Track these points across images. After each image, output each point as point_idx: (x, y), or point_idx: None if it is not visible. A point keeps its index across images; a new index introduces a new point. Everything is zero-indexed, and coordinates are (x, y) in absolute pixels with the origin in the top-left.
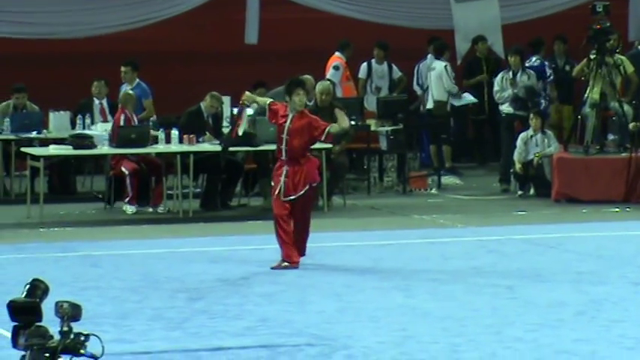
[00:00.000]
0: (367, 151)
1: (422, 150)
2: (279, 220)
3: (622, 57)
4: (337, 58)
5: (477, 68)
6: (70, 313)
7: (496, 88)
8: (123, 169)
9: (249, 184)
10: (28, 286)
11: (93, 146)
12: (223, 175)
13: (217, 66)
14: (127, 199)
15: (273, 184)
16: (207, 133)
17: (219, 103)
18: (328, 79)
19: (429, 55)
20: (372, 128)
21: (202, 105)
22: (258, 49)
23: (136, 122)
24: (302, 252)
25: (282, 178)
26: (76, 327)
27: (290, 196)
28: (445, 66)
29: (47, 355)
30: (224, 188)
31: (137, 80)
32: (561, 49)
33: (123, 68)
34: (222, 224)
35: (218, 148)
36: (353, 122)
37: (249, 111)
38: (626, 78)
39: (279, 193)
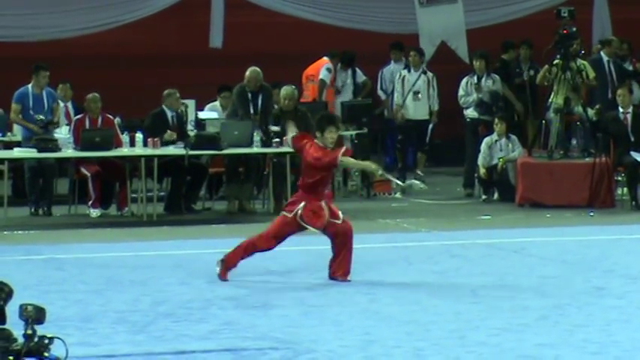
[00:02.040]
0: None
1: (386, 154)
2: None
3: (584, 62)
4: (328, 61)
5: None
6: (34, 315)
7: (461, 92)
8: (84, 171)
9: (214, 187)
10: None
11: (57, 149)
12: (188, 178)
13: (182, 69)
14: (90, 203)
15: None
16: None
17: (177, 98)
18: (321, 79)
19: (392, 61)
20: None
21: (164, 106)
22: (223, 52)
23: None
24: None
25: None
26: (40, 330)
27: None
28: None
29: (11, 357)
30: (188, 191)
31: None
32: (527, 55)
33: (46, 73)
34: (186, 228)
35: (182, 151)
36: None
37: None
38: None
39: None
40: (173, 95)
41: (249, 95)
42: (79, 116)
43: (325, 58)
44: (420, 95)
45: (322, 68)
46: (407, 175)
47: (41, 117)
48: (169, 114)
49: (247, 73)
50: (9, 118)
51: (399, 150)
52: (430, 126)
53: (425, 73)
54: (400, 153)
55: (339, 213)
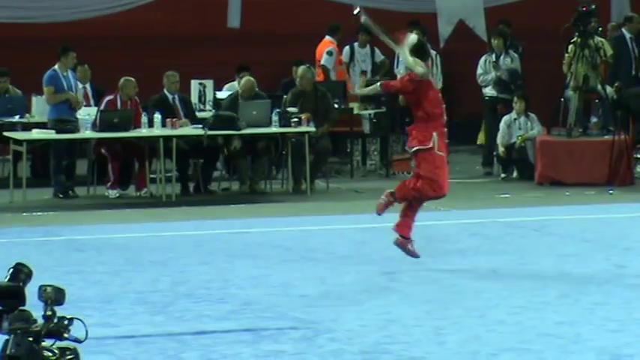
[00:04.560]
0: (350, 134)
1: (404, 133)
2: None
3: (602, 39)
4: (329, 43)
5: None
6: (54, 297)
7: (479, 71)
8: (103, 151)
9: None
10: (11, 270)
11: (76, 130)
12: (201, 160)
13: (199, 50)
14: (109, 184)
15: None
16: (181, 118)
17: (174, 80)
18: (323, 65)
19: None
20: (355, 111)
21: (165, 90)
22: (241, 32)
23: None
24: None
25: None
26: (60, 311)
27: None
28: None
29: (31, 339)
30: (203, 172)
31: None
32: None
33: (74, 54)
34: (205, 208)
35: (200, 131)
36: (336, 105)
37: None
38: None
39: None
40: (170, 78)
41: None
42: (109, 97)
43: (327, 39)
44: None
45: (323, 53)
46: None
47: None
48: (170, 97)
49: (243, 80)
50: (27, 99)
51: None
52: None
53: None
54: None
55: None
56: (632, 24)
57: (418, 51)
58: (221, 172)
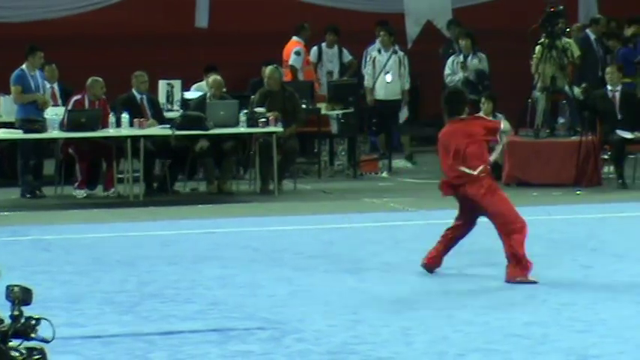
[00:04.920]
0: (318, 134)
1: (372, 134)
2: None
3: (569, 40)
4: (296, 43)
5: None
6: (21, 297)
7: (447, 71)
8: (71, 151)
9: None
10: None
11: (43, 130)
12: (169, 160)
13: (167, 50)
14: (77, 184)
15: None
16: (149, 119)
17: (143, 80)
18: (291, 65)
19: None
20: (323, 112)
21: (133, 89)
22: (209, 32)
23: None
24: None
25: None
26: (27, 311)
27: None
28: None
29: None
30: (171, 173)
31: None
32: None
33: (41, 53)
34: (172, 208)
35: (168, 131)
36: (304, 106)
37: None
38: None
39: None
40: (139, 77)
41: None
42: (77, 97)
43: (294, 39)
44: (389, 76)
45: (291, 53)
46: (393, 155)
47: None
48: (138, 96)
49: (211, 80)
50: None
51: (373, 132)
52: (405, 106)
53: (396, 52)
54: (379, 135)
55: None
56: (597, 26)
57: None
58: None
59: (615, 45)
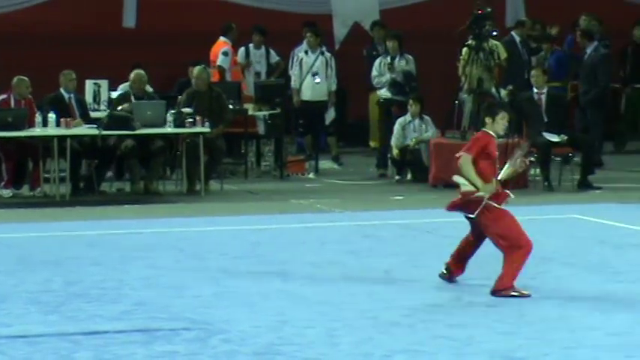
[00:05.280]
0: (245, 135)
1: (299, 135)
2: None
3: (497, 43)
4: (224, 44)
5: None
6: None
7: (374, 73)
8: None
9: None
10: None
11: None
12: (95, 160)
13: (95, 50)
14: (3, 184)
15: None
16: (77, 118)
17: (71, 79)
18: (219, 65)
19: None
20: (250, 112)
21: (62, 88)
22: (136, 32)
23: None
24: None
25: None
26: None
27: None
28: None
29: None
30: (97, 173)
31: None
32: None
33: None
34: (99, 208)
35: (95, 131)
36: (231, 106)
37: None
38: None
39: None
40: (67, 76)
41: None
42: (3, 96)
43: (221, 40)
44: (318, 76)
45: (219, 53)
46: (320, 157)
47: None
48: (66, 96)
49: (132, 74)
50: None
51: (300, 133)
52: (332, 107)
53: (323, 53)
54: (305, 136)
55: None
56: (523, 28)
57: None
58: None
59: (548, 48)
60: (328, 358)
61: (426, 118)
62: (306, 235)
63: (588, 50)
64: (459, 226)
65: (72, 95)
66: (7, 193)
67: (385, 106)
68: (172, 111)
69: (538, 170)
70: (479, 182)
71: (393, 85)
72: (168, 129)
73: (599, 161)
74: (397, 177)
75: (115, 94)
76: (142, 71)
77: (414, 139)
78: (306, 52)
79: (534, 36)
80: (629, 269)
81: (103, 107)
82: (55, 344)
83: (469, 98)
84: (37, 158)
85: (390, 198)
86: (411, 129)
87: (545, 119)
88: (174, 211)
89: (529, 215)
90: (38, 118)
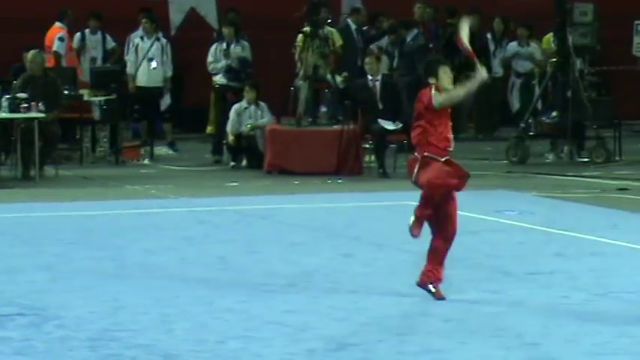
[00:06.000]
0: (80, 121)
1: (135, 120)
2: None
3: (332, 29)
4: (60, 29)
5: None
6: None
7: (210, 59)
8: None
9: None
10: None
11: None
12: None
13: None
14: None
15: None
16: None
17: None
18: (55, 51)
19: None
20: (85, 98)
21: None
22: None
23: None
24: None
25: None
26: None
27: None
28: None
29: None
30: None
31: None
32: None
33: None
34: None
35: None
36: (66, 92)
37: None
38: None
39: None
40: None
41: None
42: None
43: (57, 25)
44: (154, 62)
45: (55, 39)
46: (155, 143)
47: None
48: None
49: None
50: None
51: (135, 119)
52: (167, 93)
53: (158, 39)
54: (141, 122)
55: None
56: (358, 15)
57: None
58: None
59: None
60: (162, 344)
61: (262, 104)
62: (140, 221)
63: (408, 38)
64: (294, 212)
65: None
66: None
67: (220, 93)
68: (7, 96)
69: (373, 157)
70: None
71: (228, 72)
72: (3, 114)
73: None
74: (232, 163)
75: None
76: None
77: (248, 125)
78: (141, 38)
79: (378, 27)
80: (464, 256)
81: None
82: None
83: (305, 85)
84: None
85: (225, 184)
86: (247, 115)
87: (380, 106)
88: (8, 197)
89: (364, 202)
90: None
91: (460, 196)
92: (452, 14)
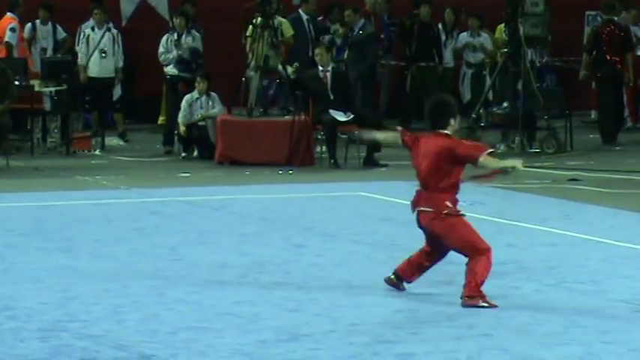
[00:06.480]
0: (31, 111)
1: (86, 111)
2: None
3: (282, 20)
4: (11, 20)
5: None
6: None
7: (161, 49)
8: None
9: None
10: None
11: None
12: None
13: None
14: None
15: None
16: None
17: None
18: (7, 42)
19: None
20: (36, 89)
21: None
22: None
23: None
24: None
25: None
26: None
27: None
28: None
29: None
30: None
31: None
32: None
33: None
34: None
35: None
36: (17, 82)
37: None
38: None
39: None
40: None
41: None
42: None
43: (8, 15)
44: (105, 53)
45: (6, 29)
46: (106, 133)
47: None
48: None
49: None
50: None
51: (86, 110)
52: (118, 84)
53: (109, 30)
54: (92, 112)
55: None
56: (307, 5)
57: None
58: None
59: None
60: (114, 335)
61: (213, 95)
62: (91, 211)
63: (356, 28)
64: (246, 203)
65: None
66: None
67: (172, 83)
68: None
69: (324, 148)
70: (502, 163)
71: (179, 62)
72: None
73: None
74: (183, 154)
75: None
76: None
77: (199, 115)
78: (92, 29)
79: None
80: (415, 247)
81: None
82: None
83: (256, 75)
84: None
85: (176, 175)
86: (198, 106)
87: (331, 97)
88: None
89: (315, 192)
90: None
91: (408, 188)
92: (417, 5)
